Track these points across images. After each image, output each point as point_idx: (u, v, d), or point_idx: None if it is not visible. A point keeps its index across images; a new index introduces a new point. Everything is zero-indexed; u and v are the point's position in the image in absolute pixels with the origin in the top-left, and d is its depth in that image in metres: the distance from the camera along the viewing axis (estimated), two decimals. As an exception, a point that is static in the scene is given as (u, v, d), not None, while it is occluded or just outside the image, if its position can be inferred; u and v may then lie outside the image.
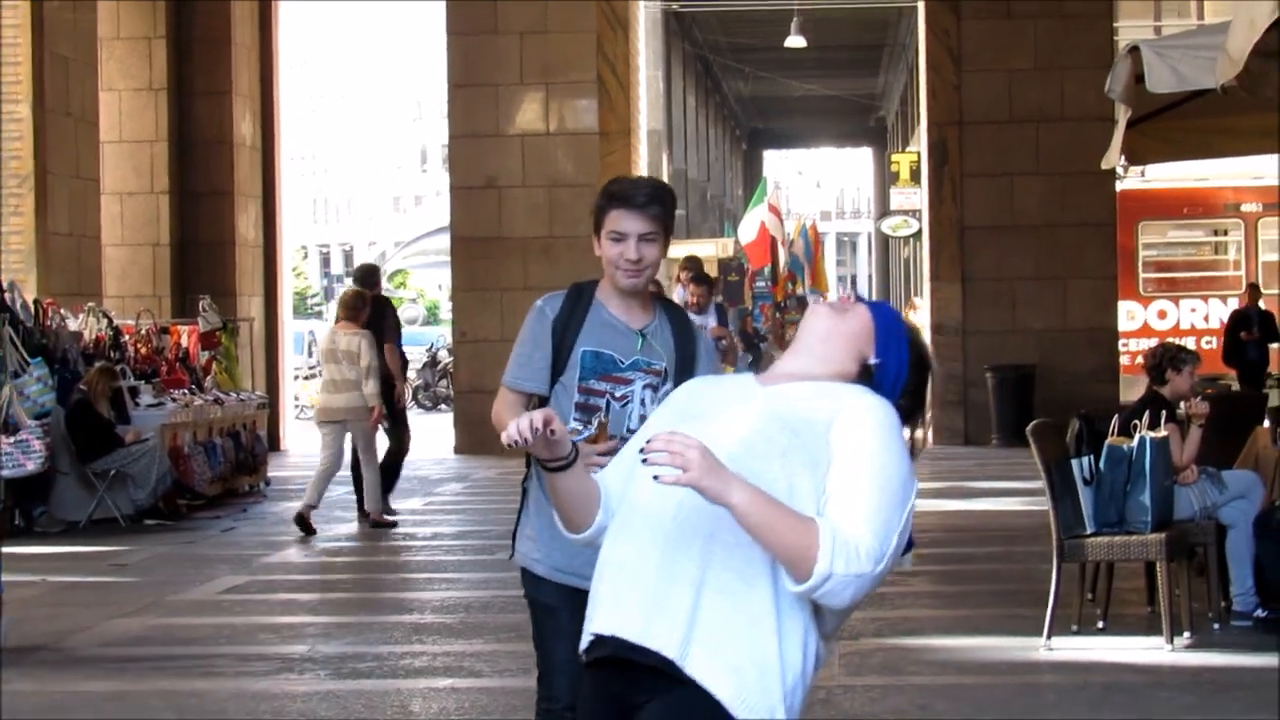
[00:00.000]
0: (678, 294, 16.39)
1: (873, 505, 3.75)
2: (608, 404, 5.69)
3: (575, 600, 5.62)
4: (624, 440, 5.65)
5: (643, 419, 5.69)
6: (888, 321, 4.15)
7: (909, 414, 4.06)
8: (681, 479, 3.63)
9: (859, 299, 4.20)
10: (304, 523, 16.13)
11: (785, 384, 4.03)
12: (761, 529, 3.68)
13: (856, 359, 4.09)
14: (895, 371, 4.11)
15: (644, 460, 3.71)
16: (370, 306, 16.77)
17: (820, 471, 3.80)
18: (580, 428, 5.60)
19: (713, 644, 3.74)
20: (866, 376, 4.09)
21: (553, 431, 3.93)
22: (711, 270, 52.56)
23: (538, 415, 3.92)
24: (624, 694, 3.85)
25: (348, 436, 16.46)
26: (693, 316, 15.11)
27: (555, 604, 5.71)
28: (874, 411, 3.88)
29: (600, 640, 3.88)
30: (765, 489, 3.72)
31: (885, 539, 3.74)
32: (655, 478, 3.67)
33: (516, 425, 3.90)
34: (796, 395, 3.96)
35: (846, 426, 3.85)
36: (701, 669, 3.73)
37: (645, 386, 5.73)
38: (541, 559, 5.74)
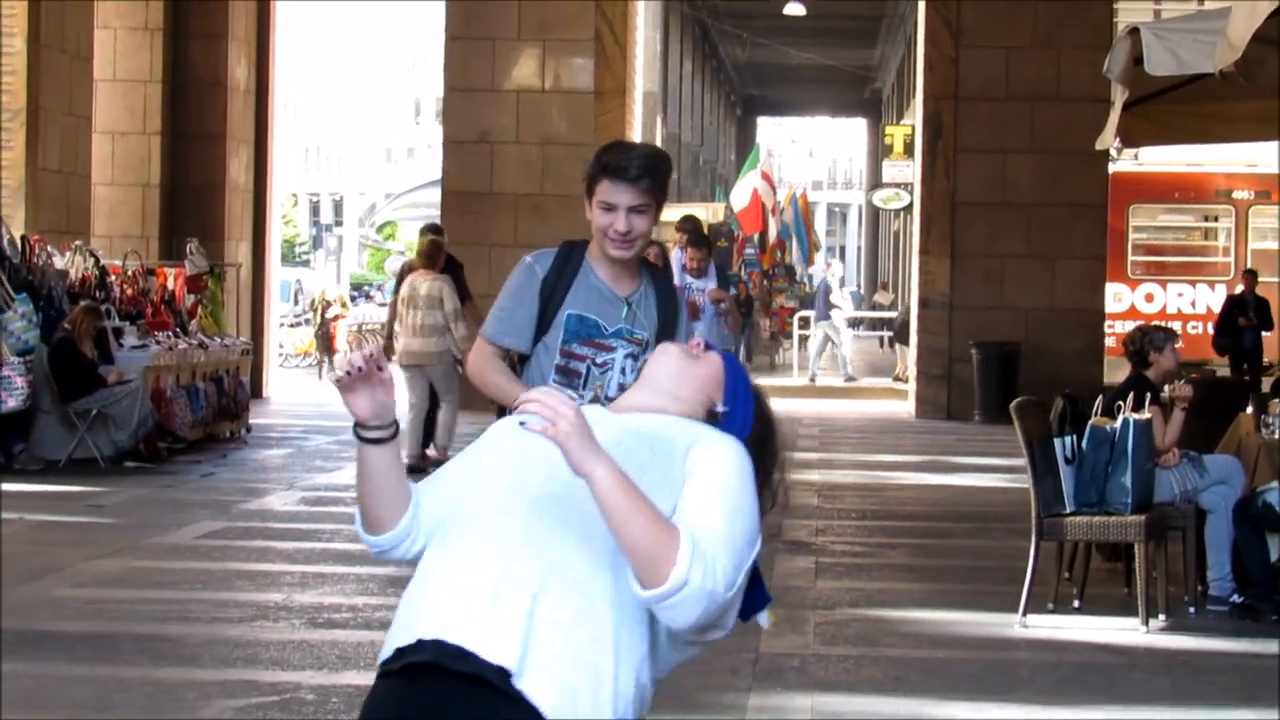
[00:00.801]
0: (674, 256, 15.57)
1: (727, 534, 3.51)
2: (588, 369, 5.70)
3: None
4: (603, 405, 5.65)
5: (622, 388, 5.70)
6: (736, 373, 4.01)
7: (763, 469, 3.86)
8: (549, 431, 3.38)
9: (709, 347, 4.04)
10: (419, 470, 16.24)
11: (635, 414, 3.85)
12: (622, 513, 3.41)
13: (704, 404, 3.93)
14: (741, 423, 3.93)
15: (518, 415, 3.52)
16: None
17: (674, 495, 3.56)
18: (566, 390, 5.59)
19: (549, 660, 3.42)
20: (712, 423, 3.91)
21: (380, 368, 3.65)
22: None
23: (372, 347, 3.67)
24: (432, 708, 3.44)
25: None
26: (690, 281, 14.11)
27: None
28: (733, 451, 3.70)
29: (416, 646, 3.47)
30: None
31: (738, 569, 3.52)
32: (522, 424, 3.46)
33: (348, 356, 3.65)
34: (652, 420, 3.81)
35: (705, 456, 3.65)
36: (534, 684, 3.39)
37: (626, 355, 5.74)
38: None
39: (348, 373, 3.66)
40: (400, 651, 3.50)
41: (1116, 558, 11.31)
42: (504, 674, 3.37)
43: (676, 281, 12.33)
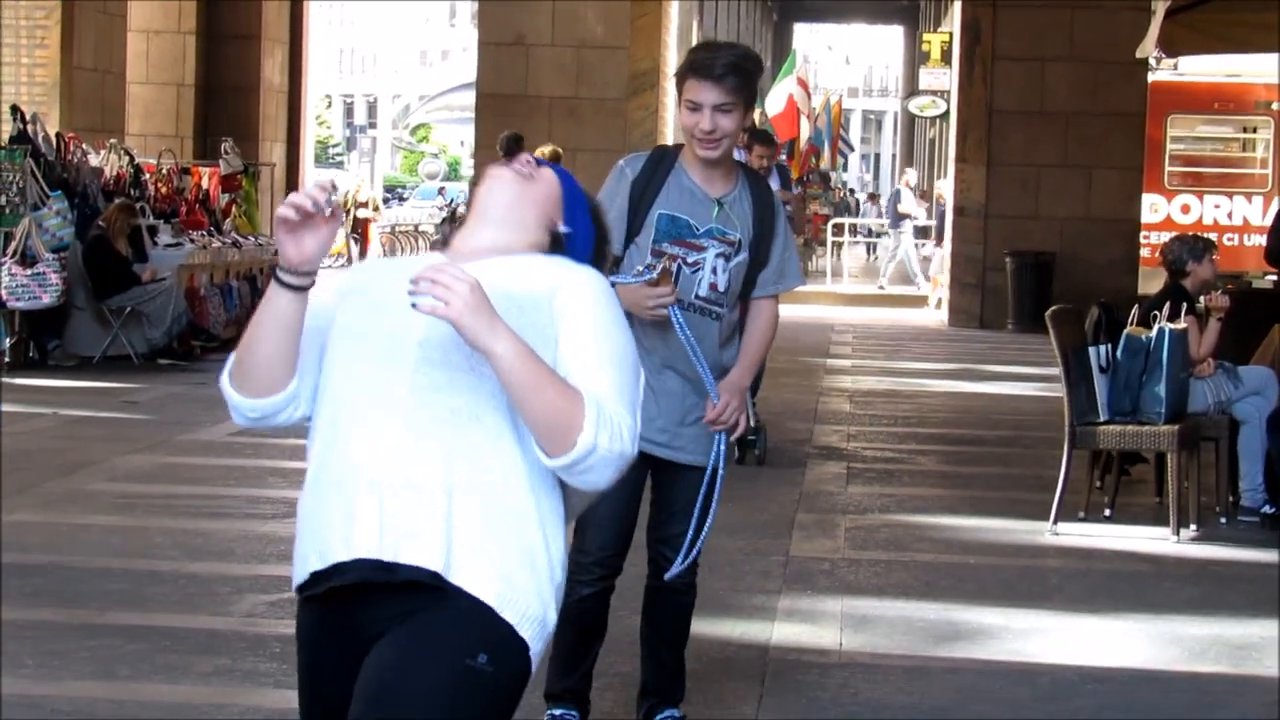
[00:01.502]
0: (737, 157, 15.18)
1: (619, 382, 3.47)
2: (679, 268, 5.70)
3: None
4: (689, 304, 5.65)
5: (713, 287, 5.69)
6: (572, 188, 3.85)
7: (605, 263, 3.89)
8: (441, 311, 3.27)
9: (540, 163, 3.85)
10: None
11: (485, 260, 3.59)
12: (527, 388, 3.33)
13: (546, 227, 3.76)
14: (584, 238, 3.83)
15: (411, 297, 3.32)
16: None
17: (551, 350, 3.46)
18: (640, 276, 5.57)
19: (475, 549, 3.37)
20: (557, 246, 3.78)
21: (330, 202, 3.46)
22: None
23: (335, 194, 3.51)
24: (364, 625, 3.43)
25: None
26: None
27: None
28: (593, 285, 3.58)
29: (334, 569, 3.40)
30: None
31: (636, 415, 3.49)
32: (414, 306, 3.31)
33: (308, 192, 3.48)
34: (506, 271, 3.56)
35: (570, 300, 3.53)
36: (467, 577, 3.35)
37: (718, 255, 5.73)
38: None
39: (298, 211, 3.45)
40: (318, 576, 3.44)
41: (1135, 462, 11.28)
42: (435, 576, 3.34)
43: None
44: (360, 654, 3.43)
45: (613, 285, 5.57)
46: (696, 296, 5.70)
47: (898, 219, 33.69)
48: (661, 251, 5.69)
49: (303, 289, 3.48)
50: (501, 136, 19.06)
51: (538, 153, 17.43)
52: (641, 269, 5.59)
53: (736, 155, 14.56)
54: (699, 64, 5.66)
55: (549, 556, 3.46)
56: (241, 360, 3.57)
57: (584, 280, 3.58)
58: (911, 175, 39.14)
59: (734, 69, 5.61)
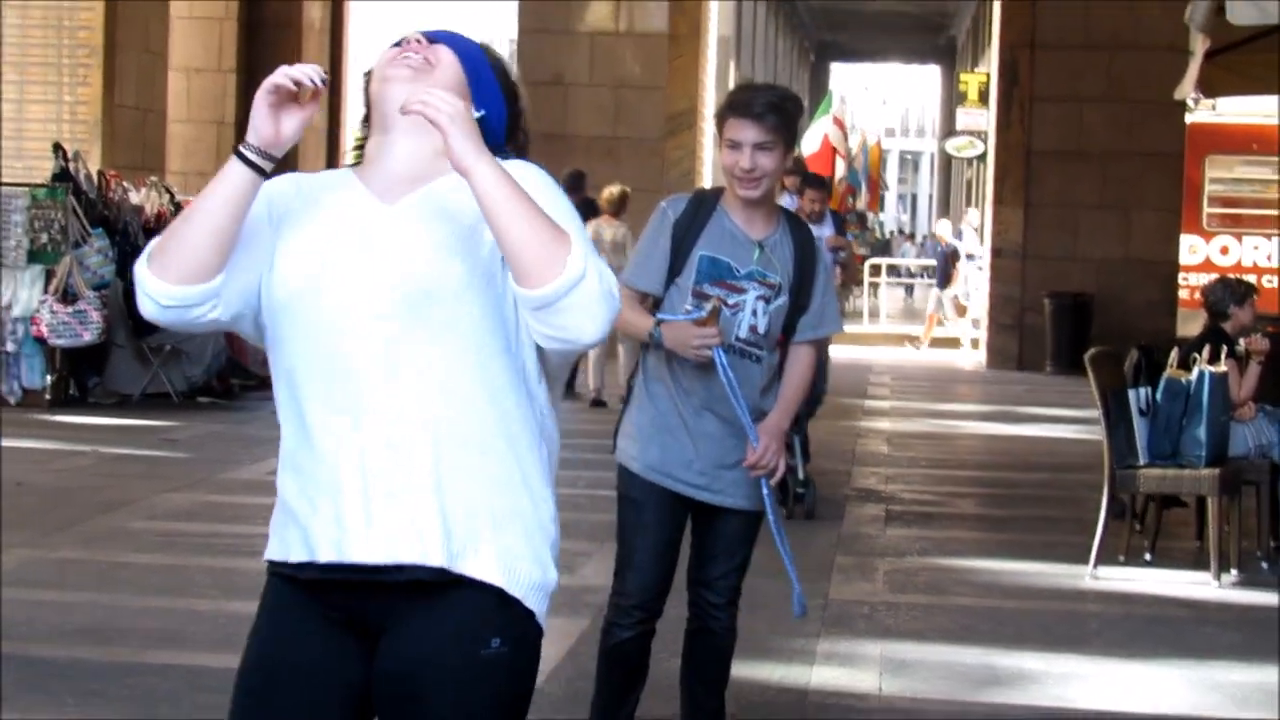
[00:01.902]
0: (786, 201, 13.90)
1: (593, 253, 3.24)
2: (718, 311, 5.70)
3: (663, 499, 5.70)
4: (729, 346, 5.66)
5: (753, 329, 5.70)
6: (474, 60, 3.55)
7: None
8: (431, 114, 3.17)
9: (431, 39, 3.52)
10: (599, 403, 17.41)
11: (409, 199, 3.38)
12: (510, 206, 3.16)
13: None
14: (498, 118, 3.56)
15: (402, 114, 3.25)
16: (583, 209, 18.22)
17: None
18: (691, 313, 5.61)
19: (473, 533, 3.28)
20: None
21: (323, 80, 3.30)
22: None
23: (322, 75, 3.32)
24: (354, 613, 3.36)
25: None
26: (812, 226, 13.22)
27: (642, 500, 5.77)
28: (533, 175, 3.38)
29: (334, 565, 3.31)
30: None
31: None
32: (401, 109, 3.23)
33: (306, 69, 3.30)
34: (435, 209, 3.35)
35: None
36: (470, 565, 3.28)
37: (758, 297, 5.74)
38: (637, 456, 5.78)
39: (296, 82, 3.28)
40: (306, 564, 3.33)
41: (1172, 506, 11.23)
42: (440, 572, 3.27)
43: None
44: (339, 637, 3.37)
45: (658, 323, 5.61)
46: (736, 338, 5.71)
47: (956, 259, 33.29)
48: (704, 293, 5.70)
49: (263, 172, 3.30)
50: (565, 174, 19.36)
51: (605, 193, 17.62)
52: (690, 307, 5.61)
53: (788, 201, 13.85)
54: (739, 103, 5.70)
55: (539, 516, 3.38)
56: (170, 242, 3.30)
57: (522, 176, 3.32)
58: (974, 216, 38.97)
59: (774, 108, 5.64)
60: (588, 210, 18.68)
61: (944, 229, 34.58)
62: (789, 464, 9.71)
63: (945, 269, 30.41)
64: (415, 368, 3.28)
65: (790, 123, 5.69)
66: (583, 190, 18.94)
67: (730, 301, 5.71)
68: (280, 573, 3.43)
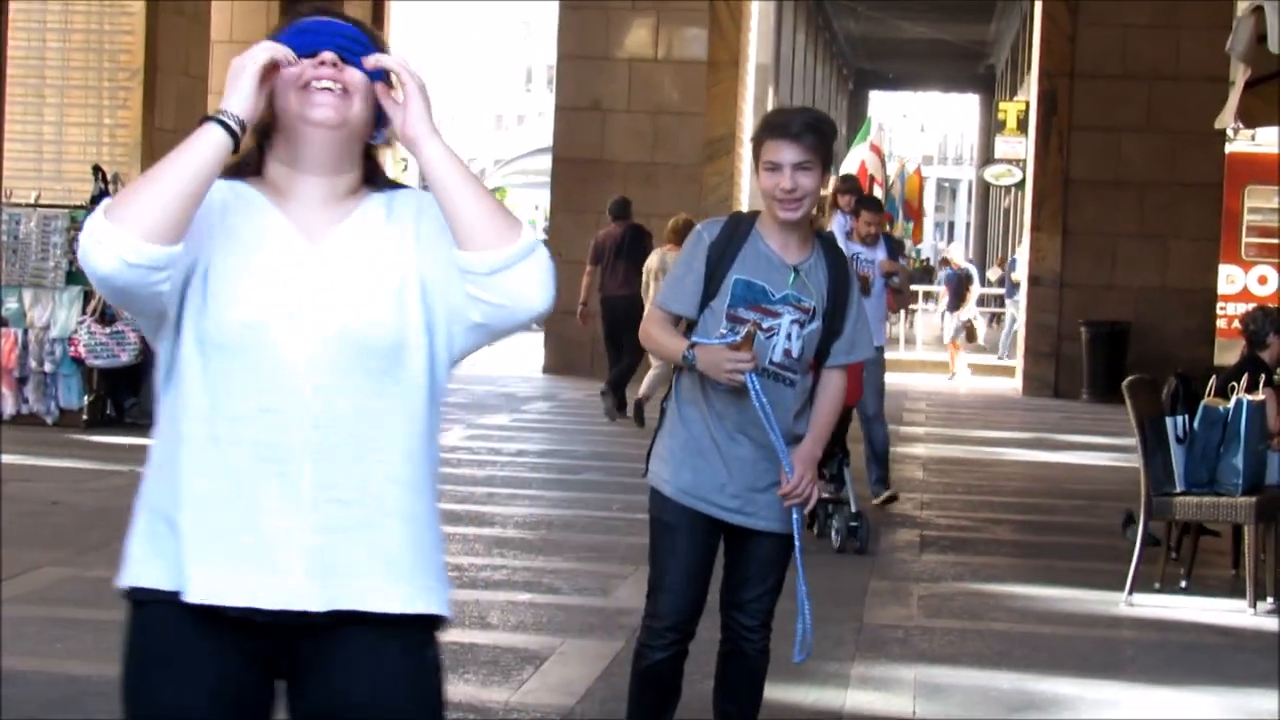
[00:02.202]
0: (837, 222, 13.80)
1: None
2: (753, 336, 5.71)
3: (696, 522, 5.70)
4: (763, 370, 5.66)
5: (787, 354, 5.70)
6: (331, 34, 3.43)
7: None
8: (406, 77, 3.29)
9: (343, 54, 3.39)
10: (639, 410, 17.84)
11: (335, 228, 3.40)
12: (464, 184, 3.28)
13: (361, 146, 3.48)
14: (384, 132, 3.48)
15: (370, 65, 3.32)
16: (630, 234, 18.76)
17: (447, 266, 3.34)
18: (727, 337, 5.63)
19: (405, 566, 3.35)
20: (369, 158, 3.52)
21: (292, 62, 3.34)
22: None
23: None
24: (274, 654, 3.39)
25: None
26: (859, 250, 12.34)
27: (675, 523, 5.77)
28: (425, 201, 3.43)
29: (260, 611, 3.31)
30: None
31: None
32: (372, 63, 3.32)
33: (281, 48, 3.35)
34: (363, 228, 3.41)
35: (429, 227, 3.39)
36: (404, 597, 3.36)
37: (793, 322, 5.74)
38: (670, 479, 5.78)
39: (276, 61, 3.30)
40: (226, 608, 3.29)
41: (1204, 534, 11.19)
42: (383, 615, 3.34)
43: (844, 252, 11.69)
44: (240, 670, 3.37)
45: (692, 346, 5.62)
46: (771, 362, 5.71)
47: (1014, 287, 33.22)
48: (738, 317, 5.71)
49: (235, 140, 3.26)
50: (611, 201, 19.49)
51: (671, 223, 17.71)
52: (724, 331, 5.62)
53: (840, 222, 13.47)
54: (775, 124, 5.73)
55: (436, 531, 3.44)
56: (138, 198, 3.20)
57: (417, 204, 3.45)
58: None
59: (811, 128, 5.66)
60: (637, 235, 18.79)
61: (956, 253, 34.56)
62: (841, 497, 9.55)
63: (959, 293, 30.38)
64: (353, 416, 3.32)
65: (827, 144, 5.70)
66: (628, 217, 19.06)
67: (765, 326, 5.72)
68: (177, 602, 3.35)
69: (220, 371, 3.31)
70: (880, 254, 13.03)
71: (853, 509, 11.19)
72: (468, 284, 3.32)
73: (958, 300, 30.27)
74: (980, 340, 31.86)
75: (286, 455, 3.29)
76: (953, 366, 28.81)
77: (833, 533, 11.19)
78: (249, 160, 3.47)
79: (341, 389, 3.31)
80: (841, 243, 12.42)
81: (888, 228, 12.93)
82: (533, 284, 3.30)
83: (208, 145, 3.23)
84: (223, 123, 3.25)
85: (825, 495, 10.86)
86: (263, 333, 3.30)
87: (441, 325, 3.39)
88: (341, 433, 3.31)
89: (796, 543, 5.77)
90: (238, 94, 3.28)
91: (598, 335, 19.84)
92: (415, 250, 3.40)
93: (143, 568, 3.45)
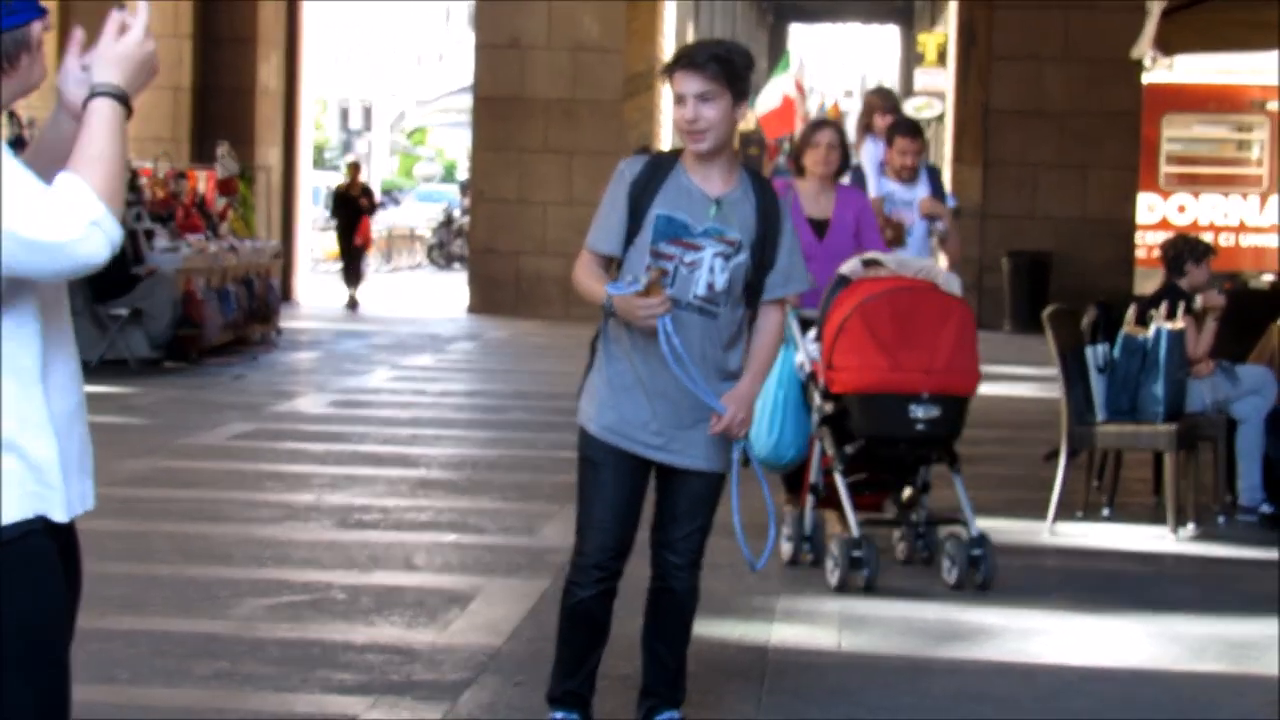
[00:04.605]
0: (867, 152, 11.20)
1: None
2: (676, 269, 5.69)
3: (621, 460, 5.70)
4: (687, 304, 5.65)
5: (710, 287, 5.68)
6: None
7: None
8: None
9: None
10: None
11: None
12: (115, 133, 3.58)
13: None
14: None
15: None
16: None
17: None
18: (633, 285, 5.60)
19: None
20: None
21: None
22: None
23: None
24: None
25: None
26: (893, 189, 10.35)
27: (600, 461, 5.77)
28: None
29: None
30: None
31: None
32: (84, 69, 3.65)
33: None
34: None
35: None
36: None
37: (716, 255, 5.71)
38: (595, 417, 5.78)
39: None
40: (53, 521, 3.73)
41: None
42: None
43: (873, 191, 10.53)
44: None
45: (609, 295, 5.59)
46: (695, 296, 5.69)
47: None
48: (661, 253, 5.69)
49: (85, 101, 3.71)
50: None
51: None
52: (631, 279, 5.60)
53: (871, 147, 11.24)
54: (681, 55, 5.72)
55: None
56: (116, 184, 3.59)
57: None
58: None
59: (716, 59, 5.63)
60: None
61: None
62: (956, 516, 8.78)
63: None
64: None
65: (737, 74, 5.66)
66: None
67: (687, 260, 5.70)
68: (37, 530, 3.71)
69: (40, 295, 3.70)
70: (921, 190, 10.54)
71: (973, 532, 8.75)
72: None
73: None
74: None
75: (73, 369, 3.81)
76: None
77: (945, 561, 8.78)
78: None
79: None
80: (873, 179, 10.72)
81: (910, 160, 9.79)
82: (83, 252, 3.54)
83: (123, 120, 3.64)
84: (128, 102, 3.70)
85: (919, 515, 9.09)
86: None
87: None
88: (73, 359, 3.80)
89: (733, 477, 5.76)
90: (122, 70, 3.78)
91: (522, 274, 19.80)
92: None
93: None
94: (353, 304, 26.77)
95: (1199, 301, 10.61)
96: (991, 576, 8.58)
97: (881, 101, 11.61)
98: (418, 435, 13.68)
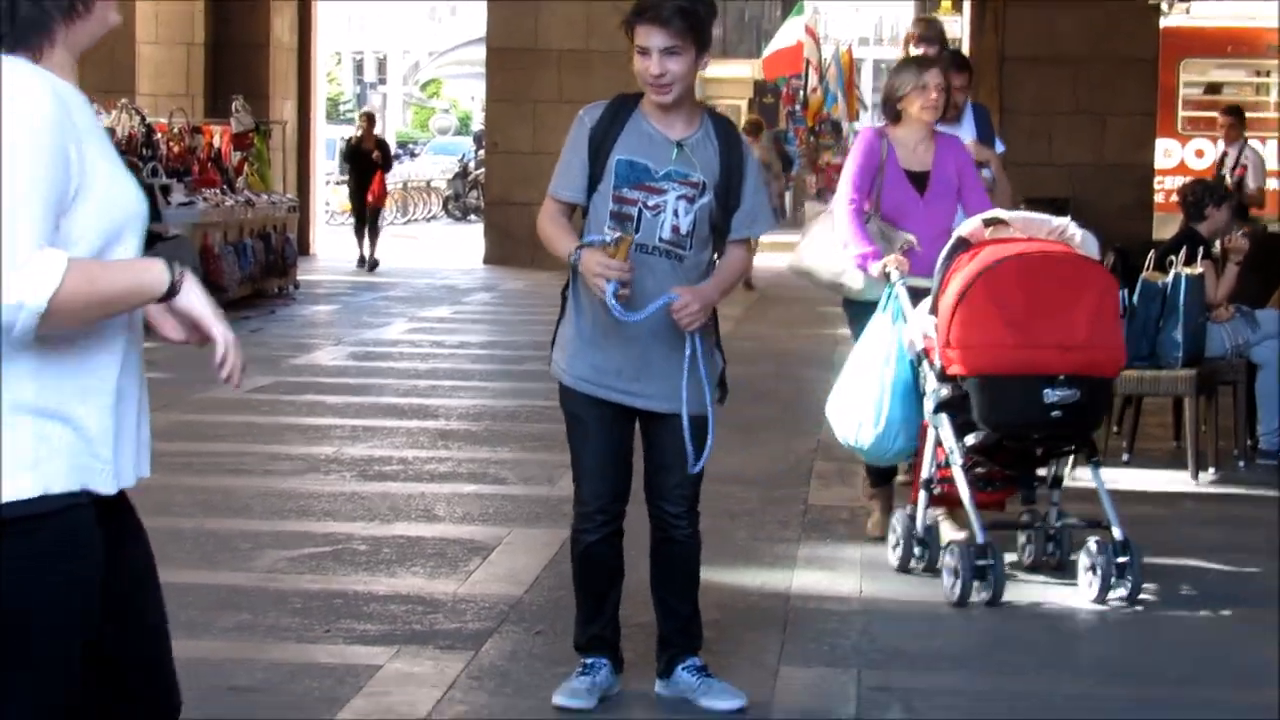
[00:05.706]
0: None
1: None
2: (639, 213, 5.68)
3: (600, 409, 5.69)
4: (653, 248, 5.64)
5: (675, 229, 5.68)
6: None
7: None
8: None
9: None
10: None
11: None
12: (125, 288, 3.60)
13: None
14: None
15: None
16: None
17: None
18: (602, 237, 5.59)
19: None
20: None
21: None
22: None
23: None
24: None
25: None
26: (940, 128, 8.34)
27: (581, 413, 5.79)
28: None
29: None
30: None
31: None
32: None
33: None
34: None
35: None
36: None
37: (679, 198, 5.71)
38: (568, 369, 5.81)
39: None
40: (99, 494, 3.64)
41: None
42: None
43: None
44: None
45: (580, 248, 5.58)
46: (660, 240, 5.69)
47: None
48: (624, 198, 5.68)
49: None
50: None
51: (742, 126, 17.79)
52: (606, 232, 5.59)
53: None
54: (646, 8, 5.66)
55: None
56: (81, 308, 3.45)
57: None
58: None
59: (681, 12, 5.60)
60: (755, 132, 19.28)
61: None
62: (1053, 503, 7.87)
63: None
64: None
65: (700, 25, 5.63)
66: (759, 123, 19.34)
67: (650, 204, 5.69)
68: (81, 504, 3.59)
69: None
70: (967, 133, 9.23)
71: (1118, 537, 7.61)
72: None
73: None
74: None
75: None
76: None
77: (1085, 573, 7.56)
78: None
79: None
80: None
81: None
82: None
83: (145, 296, 3.64)
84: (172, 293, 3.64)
85: (1050, 515, 8.11)
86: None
87: None
88: None
89: (709, 416, 5.72)
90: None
91: (535, 226, 19.77)
92: None
93: None
94: (365, 264, 25.50)
95: (1219, 246, 10.56)
96: (1138, 590, 7.43)
97: (922, 32, 9.87)
98: (436, 386, 13.68)
